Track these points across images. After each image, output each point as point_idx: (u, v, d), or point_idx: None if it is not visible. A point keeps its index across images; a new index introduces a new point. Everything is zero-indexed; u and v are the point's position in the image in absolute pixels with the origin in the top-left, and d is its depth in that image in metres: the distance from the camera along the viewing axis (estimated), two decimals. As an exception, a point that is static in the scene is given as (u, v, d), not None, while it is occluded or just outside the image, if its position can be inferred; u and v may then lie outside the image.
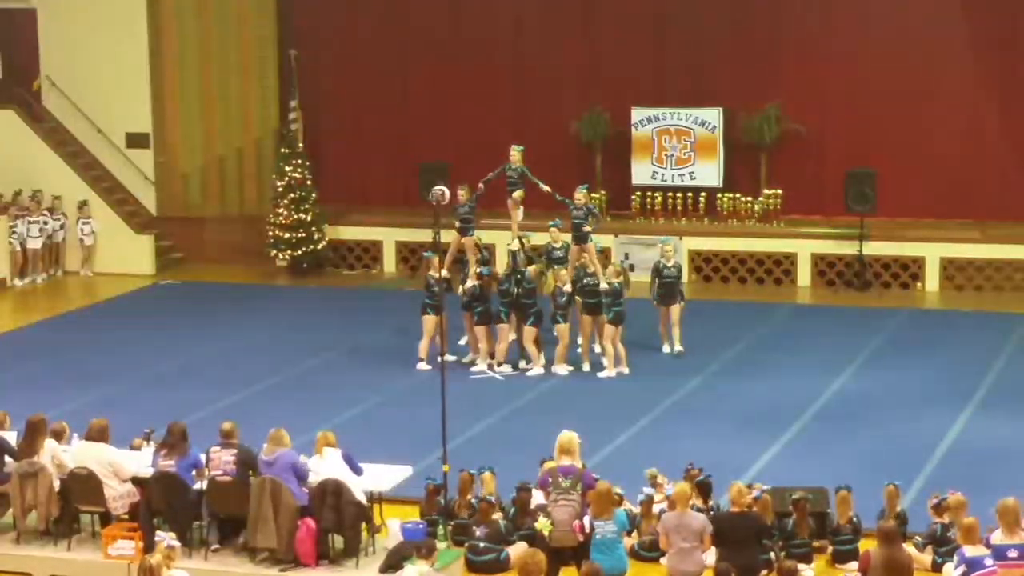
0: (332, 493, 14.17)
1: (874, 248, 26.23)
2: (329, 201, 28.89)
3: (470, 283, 21.34)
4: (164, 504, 14.61)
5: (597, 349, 21.55)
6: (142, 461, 15.11)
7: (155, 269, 28.96)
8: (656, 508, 14.91)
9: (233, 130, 29.97)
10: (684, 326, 21.94)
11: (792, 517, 14.66)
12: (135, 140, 29.75)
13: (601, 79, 28.17)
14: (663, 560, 13.97)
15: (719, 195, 27.30)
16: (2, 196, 28.71)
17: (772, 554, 14.27)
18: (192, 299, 26.79)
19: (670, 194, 27.46)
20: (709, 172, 27.41)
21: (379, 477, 14.91)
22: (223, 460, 14.52)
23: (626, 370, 21.16)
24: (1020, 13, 26.41)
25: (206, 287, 27.73)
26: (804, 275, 26.71)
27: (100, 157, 29.82)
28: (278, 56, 29.50)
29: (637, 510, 15.11)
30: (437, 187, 16.23)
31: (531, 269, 21.28)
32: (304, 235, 28.11)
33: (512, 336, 21.55)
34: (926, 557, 14.33)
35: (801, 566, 13.79)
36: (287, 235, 28.08)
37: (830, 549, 14.82)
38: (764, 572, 13.96)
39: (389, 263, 28.76)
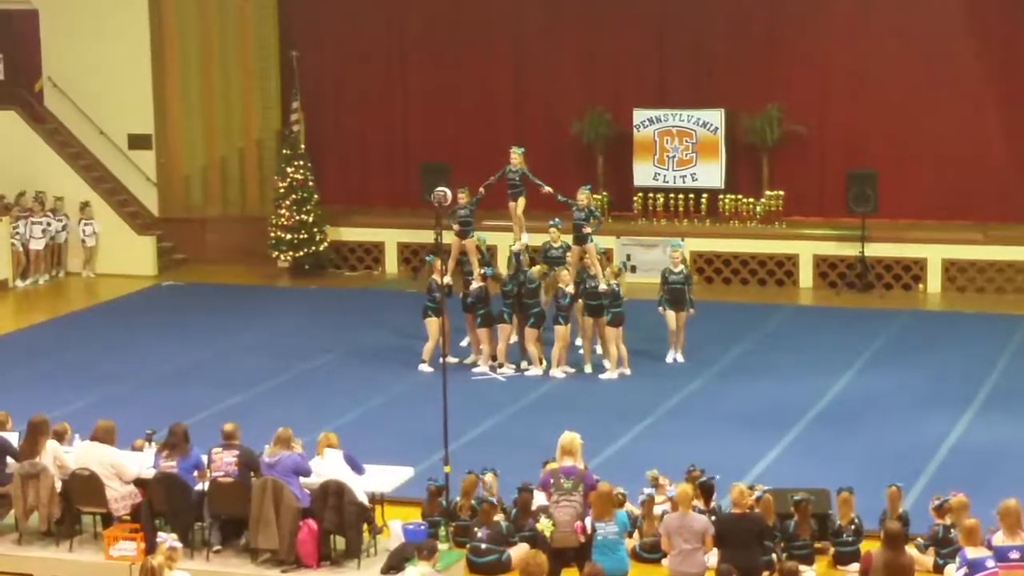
0: (334, 494, 14.17)
1: (876, 249, 26.22)
2: (331, 202, 28.90)
3: (475, 285, 21.34)
4: (166, 505, 14.61)
5: (598, 351, 21.56)
6: (145, 463, 15.11)
7: (157, 270, 28.96)
8: (658, 509, 14.91)
9: (235, 131, 29.97)
10: (686, 328, 21.83)
11: (794, 518, 14.66)
12: (137, 141, 29.76)
13: (603, 80, 28.16)
14: (664, 561, 13.96)
15: (721, 196, 27.28)
16: (3, 197, 28.73)
17: (774, 555, 14.27)
18: (194, 300, 26.79)
19: (672, 195, 27.45)
20: (711, 173, 27.39)
21: (381, 478, 14.92)
22: (225, 461, 14.53)
23: (628, 371, 21.15)
24: (1021, 14, 26.38)
25: (208, 288, 27.74)
26: (806, 276, 26.70)
27: (102, 158, 29.83)
28: (280, 57, 29.49)
29: (639, 511, 15.12)
30: (439, 188, 16.27)
31: (535, 270, 21.27)
32: (306, 236, 28.11)
33: (514, 338, 21.56)
34: (928, 559, 14.33)
35: (803, 568, 13.80)
36: (289, 236, 28.08)
37: (832, 550, 14.83)
38: (765, 573, 13.95)
39: (391, 264, 28.76)
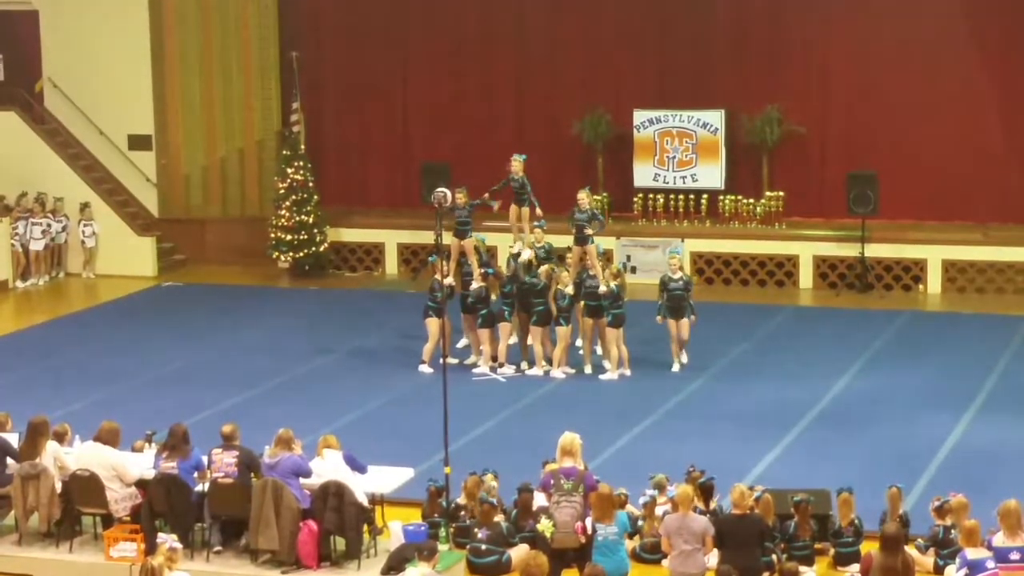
0: (334, 495, 14.18)
1: (876, 250, 26.22)
2: (331, 203, 28.90)
3: (475, 285, 21.34)
4: (166, 506, 14.60)
5: (599, 351, 21.55)
6: (146, 465, 15.11)
7: (157, 271, 28.96)
8: (659, 510, 14.90)
9: (235, 132, 29.96)
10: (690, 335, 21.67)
11: (794, 519, 14.65)
12: (137, 142, 29.77)
13: (603, 81, 28.16)
14: (665, 562, 13.97)
15: (721, 197, 27.28)
16: (3, 198, 28.72)
17: (774, 556, 14.27)
18: (194, 301, 26.79)
19: (672, 196, 27.44)
20: (711, 174, 27.39)
21: (381, 479, 14.92)
22: (225, 462, 14.53)
23: (628, 372, 21.15)
24: (1021, 15, 26.38)
25: (208, 289, 27.74)
26: (806, 277, 26.70)
27: (102, 159, 29.84)
28: (280, 58, 29.49)
29: (640, 512, 15.12)
30: (439, 189, 16.30)
31: (542, 270, 21.25)
32: (306, 237, 28.11)
33: (514, 338, 21.56)
34: (928, 560, 14.32)
35: (803, 568, 13.80)
36: (289, 237, 28.07)
37: (832, 551, 14.82)
38: (766, 574, 13.96)
39: (391, 265, 28.77)
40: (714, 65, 27.64)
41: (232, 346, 23.38)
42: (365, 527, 14.49)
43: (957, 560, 13.23)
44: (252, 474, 14.57)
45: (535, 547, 13.83)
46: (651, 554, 14.66)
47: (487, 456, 16.48)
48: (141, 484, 14.90)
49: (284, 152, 28.47)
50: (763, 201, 27.07)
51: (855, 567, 14.23)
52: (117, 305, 26.73)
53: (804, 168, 27.37)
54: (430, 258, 22.26)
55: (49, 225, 28.42)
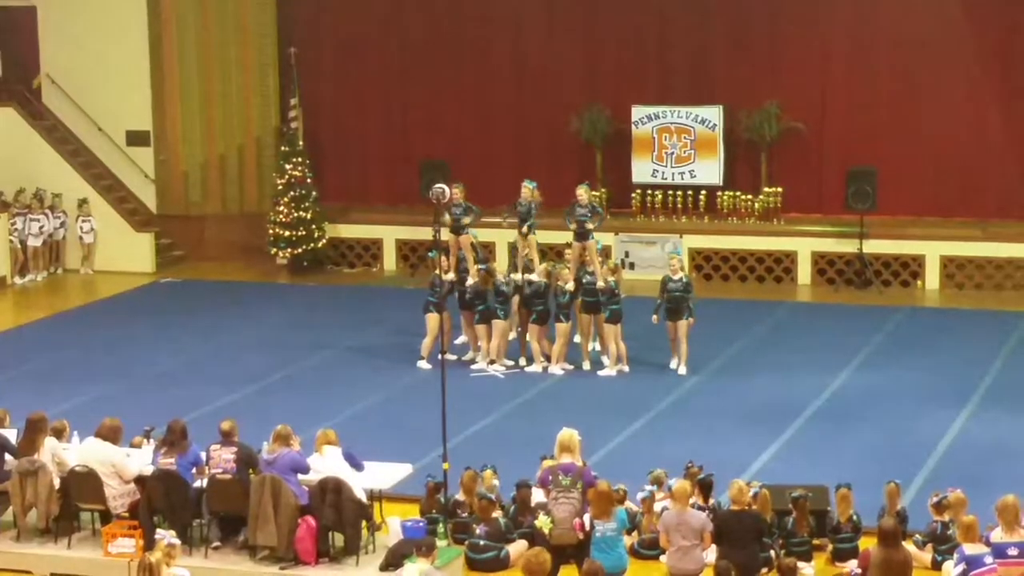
0: (332, 491, 14.18)
1: (874, 246, 26.23)
2: (329, 199, 28.90)
3: (471, 281, 21.34)
4: (164, 502, 14.60)
5: (597, 347, 21.55)
6: (144, 461, 15.11)
7: (155, 267, 28.96)
8: (658, 506, 14.90)
9: (233, 128, 29.95)
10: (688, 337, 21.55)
11: (792, 515, 14.65)
12: (135, 138, 29.76)
13: (601, 76, 28.15)
14: (663, 558, 13.98)
15: (719, 193, 27.28)
16: (2, 194, 28.71)
17: (772, 552, 14.28)
18: (192, 297, 26.79)
19: (670, 192, 27.44)
20: (709, 170, 27.39)
21: (379, 475, 14.93)
22: (223, 458, 14.53)
23: (627, 368, 21.14)
24: (1021, 11, 26.38)
25: (206, 285, 27.74)
26: (804, 273, 26.70)
27: (100, 155, 29.82)
28: (278, 54, 29.47)
29: (638, 508, 15.12)
30: (437, 185, 16.29)
31: (540, 268, 21.25)
32: (304, 233, 28.10)
33: (513, 334, 21.56)
34: (926, 555, 14.33)
35: (801, 564, 13.81)
36: (287, 233, 28.07)
37: (830, 547, 14.82)
38: (764, 570, 13.97)
39: (389, 261, 28.77)
40: (713, 61, 27.64)
41: (231, 342, 23.39)
42: (363, 523, 14.49)
43: (955, 555, 13.24)
44: (250, 470, 14.57)
45: (533, 543, 13.83)
46: (649, 550, 14.67)
47: (485, 452, 16.48)
48: (139, 480, 14.90)
49: (283, 148, 28.47)
50: (761, 197, 27.07)
51: (853, 563, 14.23)
52: (115, 301, 26.73)
53: (803, 164, 27.36)
54: (430, 253, 22.24)
55: (47, 221, 28.42)
